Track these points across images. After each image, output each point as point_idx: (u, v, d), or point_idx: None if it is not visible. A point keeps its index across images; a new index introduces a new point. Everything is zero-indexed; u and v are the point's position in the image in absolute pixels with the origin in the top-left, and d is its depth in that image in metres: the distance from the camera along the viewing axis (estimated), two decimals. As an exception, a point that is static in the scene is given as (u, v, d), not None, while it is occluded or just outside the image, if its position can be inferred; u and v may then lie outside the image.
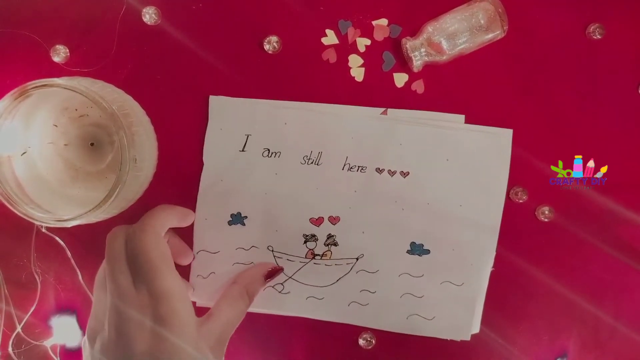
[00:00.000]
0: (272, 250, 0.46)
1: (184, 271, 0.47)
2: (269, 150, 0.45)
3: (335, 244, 0.46)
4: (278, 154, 0.45)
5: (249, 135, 0.45)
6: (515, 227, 0.47)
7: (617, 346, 0.48)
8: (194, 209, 0.46)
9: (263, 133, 0.45)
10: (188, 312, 0.36)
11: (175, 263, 0.43)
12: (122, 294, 0.35)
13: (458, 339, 0.47)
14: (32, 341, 0.47)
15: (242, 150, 0.45)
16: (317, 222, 0.46)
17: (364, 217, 0.46)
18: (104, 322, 0.36)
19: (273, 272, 0.46)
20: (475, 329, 0.47)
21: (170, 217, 0.41)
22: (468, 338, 0.47)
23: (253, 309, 0.46)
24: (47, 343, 0.47)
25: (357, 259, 0.46)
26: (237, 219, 0.46)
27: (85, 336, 0.38)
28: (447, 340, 0.47)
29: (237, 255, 0.46)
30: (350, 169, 0.46)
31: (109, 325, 0.35)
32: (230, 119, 0.45)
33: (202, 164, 0.46)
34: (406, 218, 0.46)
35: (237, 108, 0.45)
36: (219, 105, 0.45)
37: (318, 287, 0.47)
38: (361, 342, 0.48)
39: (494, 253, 0.46)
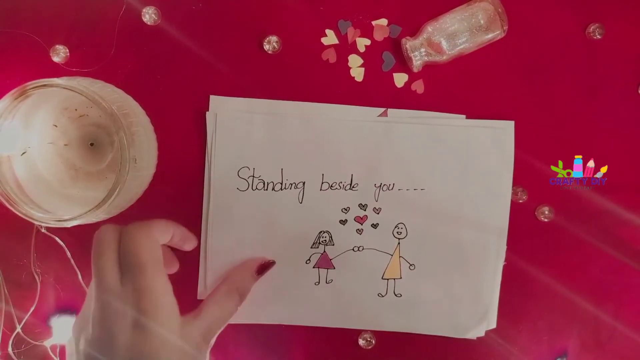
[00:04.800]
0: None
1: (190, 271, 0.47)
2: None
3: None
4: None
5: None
6: (515, 227, 0.47)
7: (617, 346, 0.48)
8: (194, 212, 0.46)
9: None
10: (171, 308, 0.36)
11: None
12: (106, 288, 0.35)
13: (474, 336, 0.47)
14: (31, 341, 0.47)
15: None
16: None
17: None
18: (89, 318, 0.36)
19: (264, 267, 0.46)
20: (492, 324, 0.47)
21: (170, 230, 0.41)
22: (482, 334, 0.47)
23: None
24: (47, 343, 0.47)
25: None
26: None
27: (71, 333, 0.38)
28: (447, 339, 0.47)
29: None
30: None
31: (92, 320, 0.35)
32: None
33: (202, 168, 0.46)
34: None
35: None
36: (219, 109, 0.46)
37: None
38: (361, 342, 0.48)
39: (505, 246, 0.46)
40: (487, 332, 0.47)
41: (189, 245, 0.45)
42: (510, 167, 0.46)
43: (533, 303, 0.48)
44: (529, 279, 0.47)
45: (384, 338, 0.48)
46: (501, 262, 0.47)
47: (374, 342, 0.48)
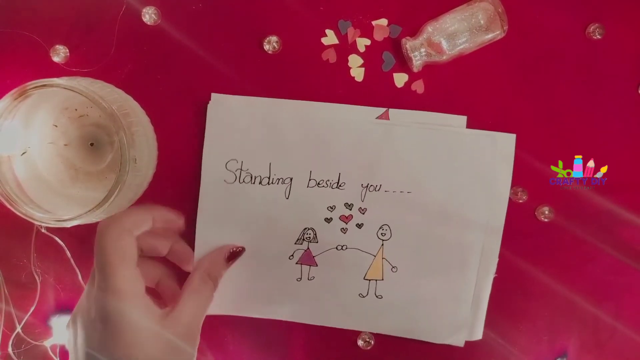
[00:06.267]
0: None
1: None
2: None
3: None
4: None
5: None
6: (515, 227, 0.47)
7: (617, 346, 0.48)
8: (194, 211, 0.46)
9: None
10: (143, 306, 0.37)
11: (181, 268, 0.44)
12: (89, 287, 0.38)
13: (461, 343, 0.47)
14: (31, 341, 0.47)
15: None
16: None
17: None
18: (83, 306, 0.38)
19: (234, 254, 0.45)
20: (479, 334, 0.47)
21: (148, 215, 0.41)
22: (461, 344, 0.47)
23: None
24: (47, 343, 0.47)
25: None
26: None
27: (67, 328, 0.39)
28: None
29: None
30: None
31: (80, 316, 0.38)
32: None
33: (201, 165, 0.46)
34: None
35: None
36: (218, 107, 0.45)
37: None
38: (360, 342, 0.48)
39: (497, 258, 0.46)
40: (487, 332, 0.47)
41: (174, 226, 0.44)
42: (509, 175, 0.46)
43: (533, 303, 0.48)
44: (529, 279, 0.47)
45: (383, 339, 0.48)
46: (492, 271, 0.46)
47: (372, 342, 0.48)
